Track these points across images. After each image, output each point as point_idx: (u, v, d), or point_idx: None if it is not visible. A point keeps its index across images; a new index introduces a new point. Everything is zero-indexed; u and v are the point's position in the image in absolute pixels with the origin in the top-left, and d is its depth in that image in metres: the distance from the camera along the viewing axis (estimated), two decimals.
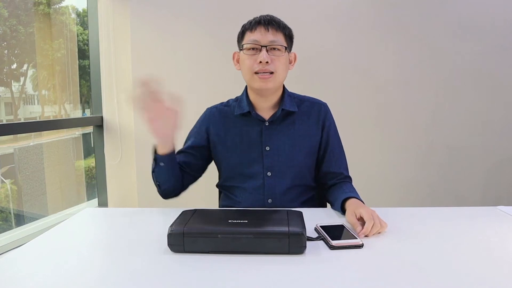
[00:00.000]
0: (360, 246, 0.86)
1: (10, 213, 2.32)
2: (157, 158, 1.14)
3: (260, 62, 1.12)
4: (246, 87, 1.26)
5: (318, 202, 1.32)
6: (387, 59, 2.35)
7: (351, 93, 2.36)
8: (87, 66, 2.58)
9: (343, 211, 1.11)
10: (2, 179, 2.26)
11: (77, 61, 2.60)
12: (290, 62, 1.23)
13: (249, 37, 1.16)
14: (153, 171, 1.18)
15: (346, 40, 2.34)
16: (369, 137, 2.39)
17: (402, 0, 2.31)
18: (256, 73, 1.14)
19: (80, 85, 2.65)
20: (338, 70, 2.36)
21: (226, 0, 2.32)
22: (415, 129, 2.40)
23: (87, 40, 2.52)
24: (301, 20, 2.29)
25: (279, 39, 1.15)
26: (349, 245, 0.86)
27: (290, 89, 1.29)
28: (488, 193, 2.43)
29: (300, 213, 0.94)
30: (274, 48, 1.14)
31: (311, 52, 2.30)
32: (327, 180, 1.28)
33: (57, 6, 2.55)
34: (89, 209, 1.22)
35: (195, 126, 1.31)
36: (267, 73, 1.13)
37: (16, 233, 2.06)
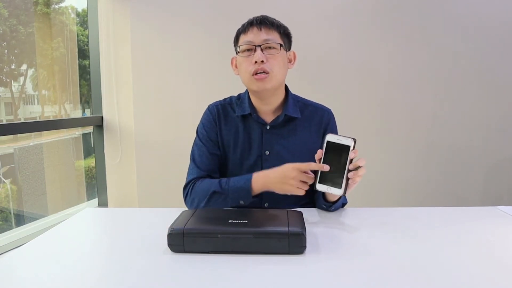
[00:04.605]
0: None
1: (10, 213, 2.32)
2: (252, 199, 1.10)
3: (256, 62, 1.10)
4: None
5: (314, 207, 1.30)
6: (387, 59, 2.35)
7: (351, 93, 2.36)
8: (87, 66, 2.58)
9: (324, 199, 1.12)
10: (2, 179, 2.26)
11: (77, 61, 2.60)
12: (290, 61, 1.21)
13: (243, 38, 1.15)
14: (232, 206, 1.11)
15: (346, 40, 2.34)
16: (369, 136, 2.39)
17: (403, 0, 2.31)
18: (253, 75, 1.12)
19: (80, 85, 2.65)
20: (338, 70, 2.36)
21: (226, 0, 2.32)
22: (415, 129, 2.40)
23: (87, 40, 2.52)
24: (301, 20, 2.29)
25: (273, 37, 1.13)
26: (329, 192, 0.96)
27: (291, 89, 1.28)
28: (488, 193, 2.43)
29: (300, 213, 0.94)
30: (270, 47, 1.13)
31: (311, 51, 2.30)
32: None
33: (57, 6, 2.55)
34: (89, 209, 1.22)
35: (205, 125, 1.25)
36: (263, 73, 1.11)
37: (16, 233, 2.06)
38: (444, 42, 2.32)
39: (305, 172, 1.02)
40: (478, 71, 2.34)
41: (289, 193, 1.04)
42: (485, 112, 2.37)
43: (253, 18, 1.16)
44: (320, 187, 0.97)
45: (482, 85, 2.35)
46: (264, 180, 1.08)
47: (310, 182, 1.01)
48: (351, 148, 0.94)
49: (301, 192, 1.02)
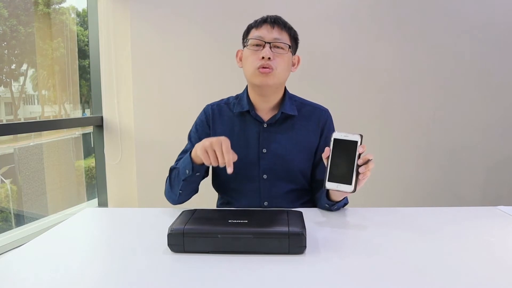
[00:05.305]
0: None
1: (10, 213, 2.32)
2: (195, 168, 1.10)
3: (263, 58, 1.12)
4: (247, 86, 1.25)
5: (314, 206, 1.30)
6: (387, 59, 2.35)
7: (351, 93, 2.36)
8: (87, 66, 2.58)
9: (328, 198, 1.11)
10: (2, 179, 2.26)
11: (77, 61, 2.60)
12: (293, 65, 1.23)
13: (254, 33, 1.17)
14: (184, 179, 1.13)
15: (346, 40, 2.34)
16: (369, 136, 2.36)
17: (403, 0, 2.31)
18: (258, 69, 1.14)
19: (80, 85, 2.65)
20: (338, 70, 2.36)
21: (226, 0, 2.33)
22: (415, 129, 2.40)
23: (87, 40, 2.52)
24: (301, 20, 2.28)
25: (284, 37, 1.16)
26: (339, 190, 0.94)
27: (291, 89, 1.29)
28: (488, 193, 2.43)
29: (300, 213, 0.94)
30: (278, 47, 1.15)
31: (311, 52, 2.30)
32: (318, 186, 1.25)
33: (57, 6, 2.55)
34: (89, 209, 1.22)
35: (197, 124, 1.28)
36: (267, 69, 1.13)
37: (16, 233, 2.06)
38: (444, 42, 2.32)
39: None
40: (478, 71, 2.34)
41: (203, 159, 1.01)
42: (485, 112, 2.37)
43: (267, 15, 1.18)
44: (329, 185, 0.95)
45: (482, 85, 2.35)
46: (196, 146, 1.07)
47: (224, 156, 0.97)
48: (359, 143, 0.94)
49: (206, 160, 1.00)
